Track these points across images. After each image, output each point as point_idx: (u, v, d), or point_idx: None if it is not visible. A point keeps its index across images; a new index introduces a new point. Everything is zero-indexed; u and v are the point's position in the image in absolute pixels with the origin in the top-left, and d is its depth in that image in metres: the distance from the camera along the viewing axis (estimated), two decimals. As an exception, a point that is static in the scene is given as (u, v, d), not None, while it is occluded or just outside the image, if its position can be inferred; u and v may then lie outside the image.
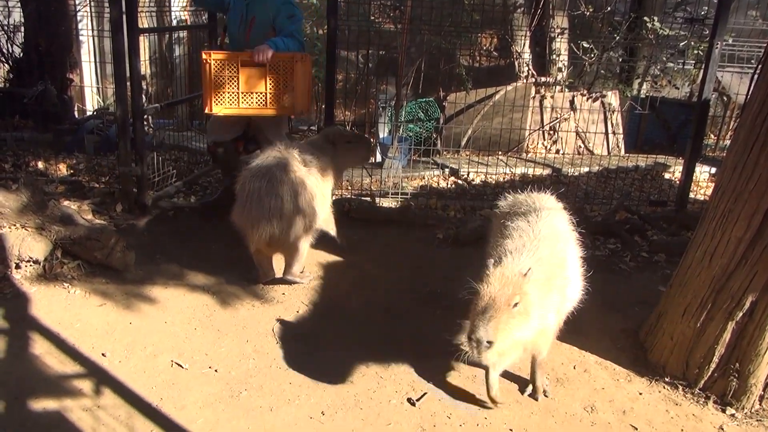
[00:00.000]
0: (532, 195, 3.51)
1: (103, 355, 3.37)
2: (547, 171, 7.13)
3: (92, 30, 9.00)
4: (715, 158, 7.66)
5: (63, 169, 6.17)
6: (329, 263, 4.62)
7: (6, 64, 8.41)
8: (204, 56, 4.53)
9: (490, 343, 2.56)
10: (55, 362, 3.28)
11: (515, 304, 2.62)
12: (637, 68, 9.27)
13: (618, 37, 8.65)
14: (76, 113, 8.39)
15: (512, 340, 2.68)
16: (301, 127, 9.31)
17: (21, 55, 8.19)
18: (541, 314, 2.79)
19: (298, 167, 4.08)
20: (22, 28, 8.23)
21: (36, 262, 4.00)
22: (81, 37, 8.94)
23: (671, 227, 5.46)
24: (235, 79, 4.53)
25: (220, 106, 4.59)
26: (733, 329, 3.18)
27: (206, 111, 4.70)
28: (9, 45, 8.35)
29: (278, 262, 4.27)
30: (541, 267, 2.85)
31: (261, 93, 4.58)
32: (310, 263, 4.51)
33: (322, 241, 4.68)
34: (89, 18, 8.96)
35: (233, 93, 4.57)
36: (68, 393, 3.03)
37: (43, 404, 2.97)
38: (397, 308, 4.05)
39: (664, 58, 8.99)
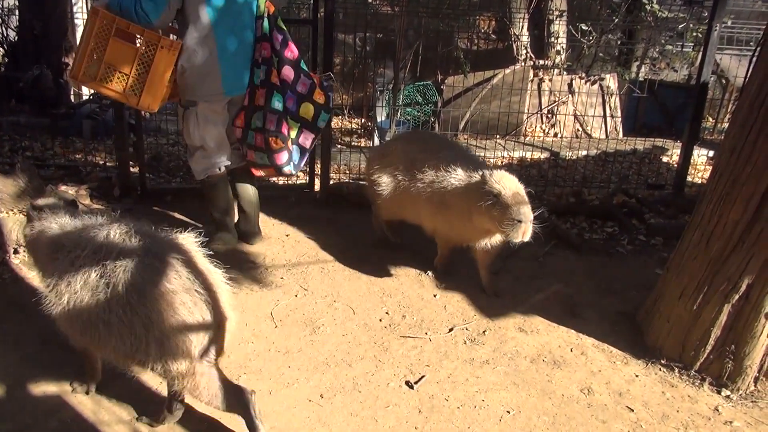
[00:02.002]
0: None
1: (102, 339, 3.38)
2: (545, 154, 7.13)
3: (87, 13, 8.93)
4: (713, 141, 7.66)
5: (60, 154, 6.15)
6: (326, 246, 4.63)
7: (1, 48, 8.36)
8: None
9: None
10: (54, 347, 3.28)
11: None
12: (635, 51, 9.24)
13: (617, 20, 8.61)
14: (72, 97, 8.35)
15: None
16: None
17: (16, 38, 8.14)
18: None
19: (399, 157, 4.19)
20: (17, 11, 8.16)
21: (34, 247, 3.99)
22: (76, 20, 8.85)
23: (669, 210, 5.46)
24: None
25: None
26: (730, 312, 3.20)
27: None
28: (3, 28, 8.29)
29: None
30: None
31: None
32: (305, 247, 4.53)
33: (318, 227, 4.69)
34: (84, 1, 8.88)
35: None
36: (68, 377, 3.04)
37: (43, 389, 2.98)
38: (394, 291, 4.07)
39: (663, 41, 8.95)
